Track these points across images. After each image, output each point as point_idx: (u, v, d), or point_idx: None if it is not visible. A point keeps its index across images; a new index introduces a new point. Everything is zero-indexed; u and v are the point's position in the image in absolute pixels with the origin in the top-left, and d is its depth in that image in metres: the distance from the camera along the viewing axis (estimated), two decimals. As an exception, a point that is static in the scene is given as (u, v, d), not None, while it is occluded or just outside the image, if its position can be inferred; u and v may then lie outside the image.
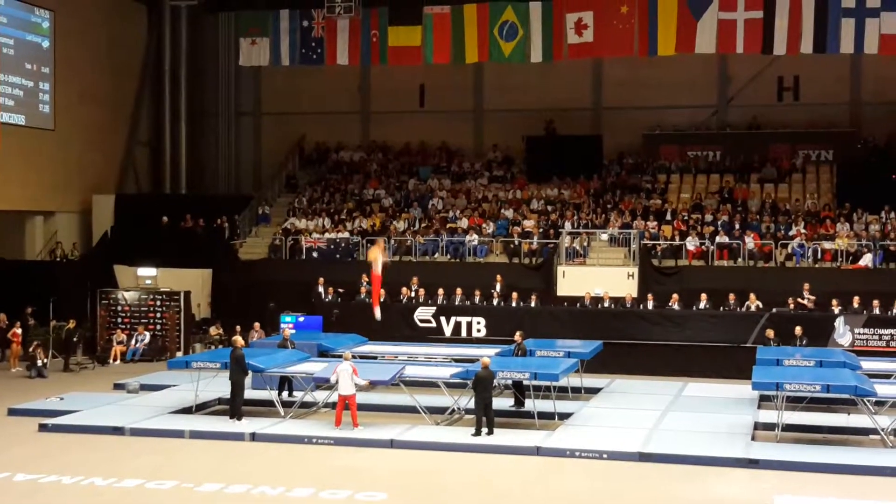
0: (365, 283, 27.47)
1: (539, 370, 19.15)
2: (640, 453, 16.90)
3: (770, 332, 24.30)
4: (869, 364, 21.40)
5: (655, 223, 31.03)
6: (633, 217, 31.38)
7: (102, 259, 32.37)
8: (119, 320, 29.27)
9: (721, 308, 26.67)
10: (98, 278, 30.36)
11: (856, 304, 25.85)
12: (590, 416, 20.06)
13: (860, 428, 18.81)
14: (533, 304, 27.80)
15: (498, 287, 28.54)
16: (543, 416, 19.47)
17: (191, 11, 38.87)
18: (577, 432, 18.45)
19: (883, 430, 17.99)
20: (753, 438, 18.11)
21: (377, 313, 24.01)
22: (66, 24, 34.60)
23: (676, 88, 35.52)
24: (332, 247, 31.61)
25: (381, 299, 24.27)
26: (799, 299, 26.25)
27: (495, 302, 28.20)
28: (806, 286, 26.55)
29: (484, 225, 32.10)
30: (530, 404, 19.77)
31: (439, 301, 28.06)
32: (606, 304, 27.43)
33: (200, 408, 20.70)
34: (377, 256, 23.29)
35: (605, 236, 30.52)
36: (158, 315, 29.28)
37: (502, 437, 18.00)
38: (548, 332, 25.15)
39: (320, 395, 20.81)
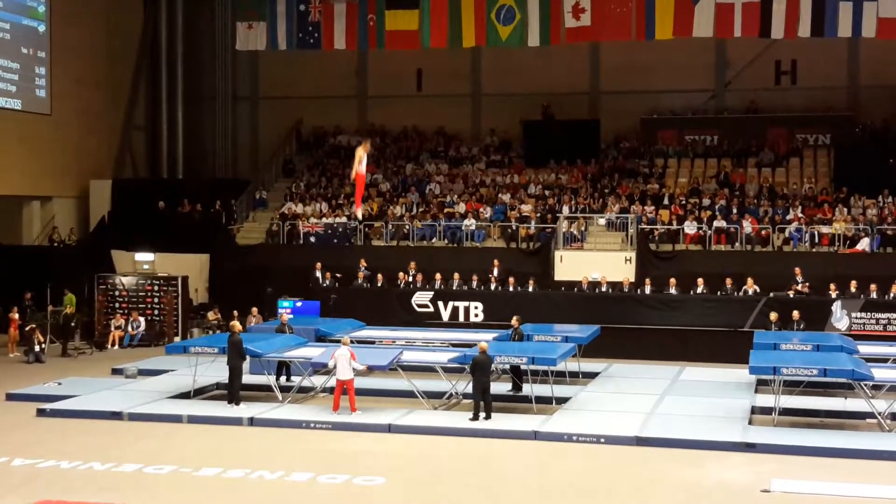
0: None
1: (537, 355, 19.18)
2: (638, 437, 16.93)
3: (773, 316, 24.30)
4: (866, 348, 21.43)
5: (653, 208, 31.03)
6: (630, 202, 31.37)
7: (100, 244, 32.36)
8: (117, 305, 29.25)
9: (718, 292, 26.69)
10: (95, 263, 30.34)
11: (853, 289, 25.85)
12: (587, 400, 20.08)
13: (857, 412, 18.83)
14: (530, 289, 27.81)
15: (495, 272, 28.57)
16: (541, 400, 19.52)
17: (187, -5, 38.84)
18: (574, 417, 18.48)
19: (880, 413, 18.04)
20: (750, 422, 18.14)
21: (358, 213, 23.89)
22: (62, 8, 34.51)
23: (674, 72, 35.50)
24: (330, 231, 31.60)
25: (364, 199, 23.77)
26: (797, 287, 26.27)
27: (493, 287, 28.20)
28: (797, 270, 26.55)
29: (481, 210, 32.09)
30: (528, 389, 19.81)
31: (437, 286, 28.06)
32: (604, 289, 27.44)
33: (198, 393, 20.72)
34: (362, 156, 22.75)
35: (602, 221, 30.53)
36: (156, 300, 29.27)
37: (500, 421, 18.02)
38: (545, 316, 25.11)
39: (318, 380, 20.83)
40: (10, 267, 30.51)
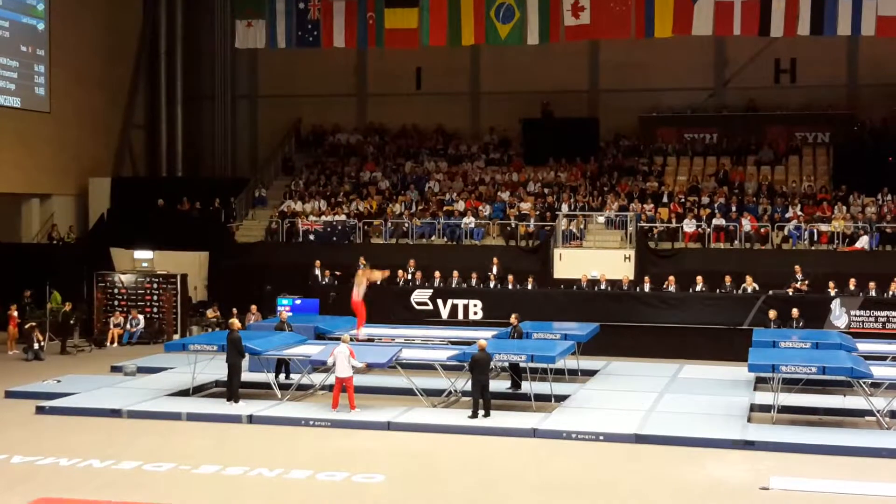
0: None
1: (536, 352, 19.17)
2: (637, 435, 16.94)
3: (772, 314, 24.31)
4: (865, 346, 21.45)
5: (652, 206, 31.03)
6: (629, 200, 31.37)
7: (99, 242, 32.34)
8: (116, 303, 29.25)
9: (717, 290, 26.70)
10: (95, 261, 30.34)
11: (852, 287, 25.89)
12: (586, 398, 20.09)
13: (856, 410, 18.82)
14: (529, 287, 27.81)
15: (494, 270, 28.56)
16: (540, 398, 19.50)
17: (187, -7, 38.82)
18: (573, 414, 18.48)
19: (878, 411, 18.04)
20: (749, 420, 18.15)
21: (360, 333, 22.70)
22: (61, 7, 34.48)
23: (673, 71, 35.49)
24: (329, 229, 31.61)
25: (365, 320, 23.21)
26: (795, 285, 26.27)
27: (492, 284, 28.21)
28: (797, 268, 26.57)
29: (481, 207, 32.08)
30: (527, 386, 19.81)
31: (436, 284, 28.07)
32: (603, 287, 27.45)
33: (197, 390, 20.73)
34: (362, 281, 22.59)
35: (601, 219, 30.54)
36: (155, 298, 29.26)
37: (499, 419, 18.03)
38: (544, 314, 25.08)
39: (317, 378, 20.83)
40: (9, 265, 30.51)
